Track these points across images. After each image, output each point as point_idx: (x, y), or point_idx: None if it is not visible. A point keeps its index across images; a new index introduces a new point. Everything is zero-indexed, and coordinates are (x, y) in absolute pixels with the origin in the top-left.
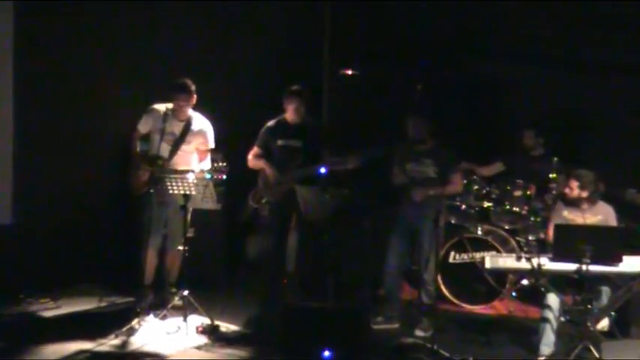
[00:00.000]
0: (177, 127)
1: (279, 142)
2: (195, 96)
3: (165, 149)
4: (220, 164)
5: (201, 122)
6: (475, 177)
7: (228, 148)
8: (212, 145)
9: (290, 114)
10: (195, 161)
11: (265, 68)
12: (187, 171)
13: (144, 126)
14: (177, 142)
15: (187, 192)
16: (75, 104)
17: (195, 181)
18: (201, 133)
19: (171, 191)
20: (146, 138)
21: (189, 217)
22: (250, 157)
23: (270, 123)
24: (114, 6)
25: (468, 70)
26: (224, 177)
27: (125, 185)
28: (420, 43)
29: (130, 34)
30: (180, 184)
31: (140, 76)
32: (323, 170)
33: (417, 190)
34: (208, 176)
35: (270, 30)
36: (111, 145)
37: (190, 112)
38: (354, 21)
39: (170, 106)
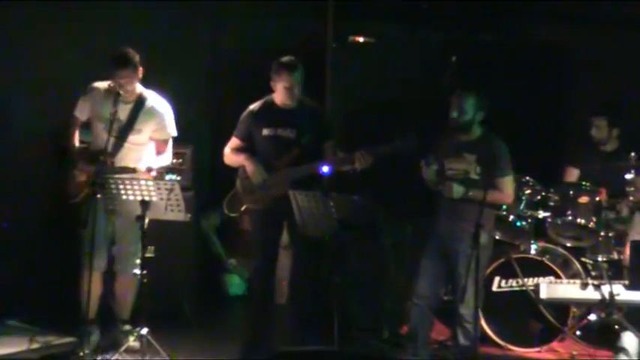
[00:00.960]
0: (123, 112)
1: (266, 132)
2: (140, 69)
3: (111, 140)
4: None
5: (154, 102)
6: (527, 178)
7: (198, 140)
8: (173, 132)
9: (280, 94)
10: (148, 156)
11: (248, 33)
12: (129, 169)
13: (82, 111)
14: (124, 131)
15: (146, 198)
16: None
17: (158, 184)
18: (154, 116)
19: (125, 197)
20: (87, 127)
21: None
22: (227, 150)
23: (254, 106)
24: None
25: (517, 35)
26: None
27: (61, 190)
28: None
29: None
30: (137, 187)
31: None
32: (326, 170)
33: (451, 185)
34: (173, 177)
35: None
36: (45, 142)
37: (141, 89)
38: None
39: (111, 83)
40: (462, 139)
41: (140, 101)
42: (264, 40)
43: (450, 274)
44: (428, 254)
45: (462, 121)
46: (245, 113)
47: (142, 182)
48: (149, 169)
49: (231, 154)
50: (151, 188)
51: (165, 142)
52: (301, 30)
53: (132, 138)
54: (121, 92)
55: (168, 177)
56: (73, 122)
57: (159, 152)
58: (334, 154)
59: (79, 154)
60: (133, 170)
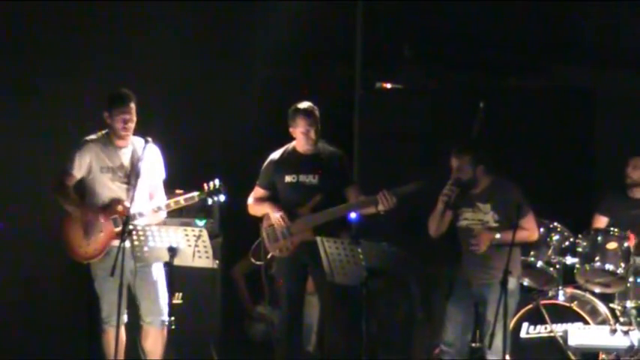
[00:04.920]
0: (124, 158)
1: (288, 179)
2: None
3: (118, 189)
4: (213, 183)
5: (148, 145)
6: (555, 224)
7: (227, 185)
8: (164, 173)
9: (298, 140)
10: (147, 200)
11: (277, 77)
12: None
13: (79, 168)
14: (131, 177)
15: (174, 245)
16: None
17: (186, 230)
18: (152, 158)
19: (152, 244)
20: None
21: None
22: (250, 200)
23: (275, 155)
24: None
25: (549, 79)
26: (222, 199)
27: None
28: (484, 43)
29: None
30: (164, 234)
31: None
32: (354, 216)
33: (476, 237)
34: (201, 222)
35: (282, 28)
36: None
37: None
38: (395, 16)
39: (103, 133)
40: (472, 191)
41: (137, 145)
42: (292, 87)
43: (478, 321)
44: (455, 301)
45: (464, 179)
46: (267, 162)
47: (170, 229)
48: (158, 209)
49: (254, 203)
50: (179, 235)
51: (159, 184)
52: (329, 77)
53: (138, 182)
54: (122, 133)
55: (197, 222)
56: (68, 181)
57: (151, 196)
58: (357, 197)
59: (91, 212)
60: (158, 208)
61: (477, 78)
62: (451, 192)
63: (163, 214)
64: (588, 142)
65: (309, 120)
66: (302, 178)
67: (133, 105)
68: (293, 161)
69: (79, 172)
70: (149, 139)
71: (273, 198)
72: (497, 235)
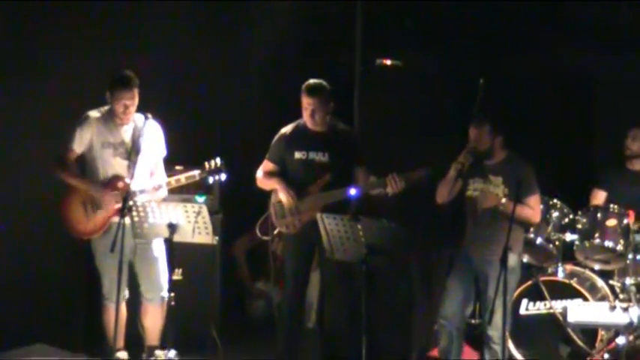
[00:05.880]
0: (125, 135)
1: (298, 155)
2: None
3: (118, 165)
4: (214, 162)
5: (149, 122)
6: (555, 201)
7: (227, 162)
8: (165, 150)
9: (307, 118)
10: (147, 177)
11: (279, 55)
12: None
13: (80, 143)
14: (132, 153)
15: (174, 221)
16: None
17: (185, 206)
18: (153, 135)
19: (152, 220)
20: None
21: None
22: (259, 174)
23: (286, 129)
24: None
25: (549, 59)
26: (223, 177)
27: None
28: (484, 22)
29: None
30: (164, 210)
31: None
32: (354, 192)
33: (484, 194)
34: (201, 199)
35: (284, 8)
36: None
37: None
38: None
39: (105, 109)
40: (486, 162)
41: (137, 122)
42: (292, 67)
43: (479, 297)
44: (455, 276)
45: (482, 149)
46: (277, 136)
47: (170, 205)
48: (159, 186)
49: (263, 177)
50: (179, 211)
51: (159, 161)
52: (329, 56)
53: (139, 159)
54: (122, 117)
55: (197, 198)
56: (69, 156)
57: (151, 174)
58: (366, 178)
59: (92, 188)
60: (159, 186)
61: (477, 59)
62: (466, 160)
63: (164, 192)
64: (588, 121)
65: (309, 98)
66: (312, 155)
67: (135, 90)
68: (304, 138)
69: (79, 147)
70: (149, 115)
71: (283, 173)
72: (504, 200)
